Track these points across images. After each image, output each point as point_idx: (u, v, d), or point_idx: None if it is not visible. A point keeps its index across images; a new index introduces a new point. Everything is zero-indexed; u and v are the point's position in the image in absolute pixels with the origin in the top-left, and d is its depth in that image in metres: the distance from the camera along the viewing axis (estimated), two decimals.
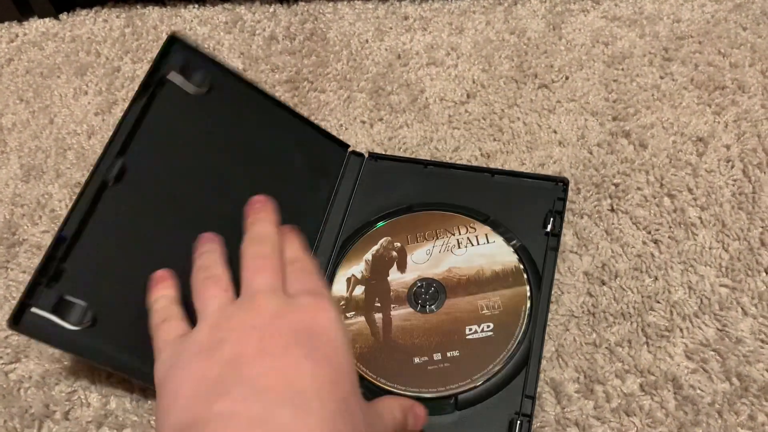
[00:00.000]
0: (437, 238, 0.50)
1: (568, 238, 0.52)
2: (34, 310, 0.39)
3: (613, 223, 0.53)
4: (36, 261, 0.53)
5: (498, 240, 0.50)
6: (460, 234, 0.50)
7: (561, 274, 0.51)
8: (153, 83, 0.44)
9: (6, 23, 0.73)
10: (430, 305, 0.47)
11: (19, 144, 0.62)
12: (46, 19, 0.73)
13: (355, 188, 0.55)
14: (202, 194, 0.46)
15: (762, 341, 0.46)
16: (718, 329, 0.47)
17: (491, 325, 0.45)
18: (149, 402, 0.45)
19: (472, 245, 0.50)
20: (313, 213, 0.53)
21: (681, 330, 0.47)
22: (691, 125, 0.59)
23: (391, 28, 0.70)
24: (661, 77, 0.64)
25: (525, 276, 0.48)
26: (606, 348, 0.47)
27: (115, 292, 0.41)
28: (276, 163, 0.51)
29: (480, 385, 0.44)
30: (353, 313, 0.48)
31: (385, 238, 0.51)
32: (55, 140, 0.62)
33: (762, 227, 0.52)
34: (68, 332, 0.39)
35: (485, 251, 0.49)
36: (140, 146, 0.43)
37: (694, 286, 0.49)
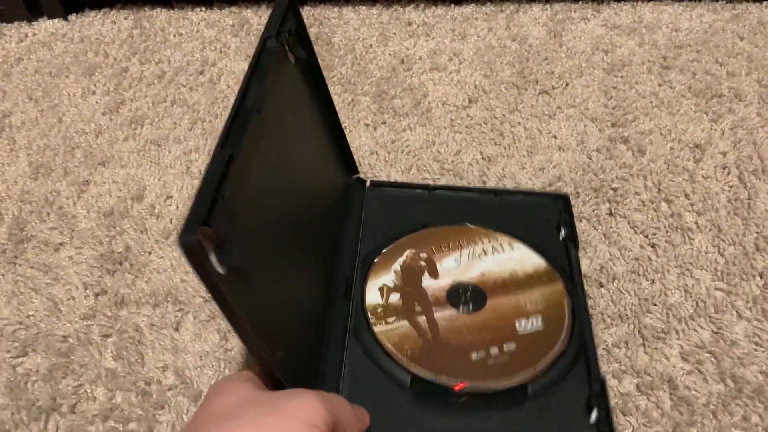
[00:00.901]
0: (462, 248, 0.51)
1: None
2: (198, 236, 0.32)
3: (611, 227, 0.54)
4: (44, 257, 0.54)
5: (521, 246, 0.51)
6: (483, 243, 0.51)
7: None
8: (269, 47, 0.41)
9: (16, 23, 0.74)
10: (473, 305, 0.47)
11: (28, 142, 0.63)
12: (56, 20, 0.74)
13: (362, 216, 0.54)
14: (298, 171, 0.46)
15: (756, 344, 0.47)
16: (713, 332, 0.48)
17: (539, 318, 0.46)
18: (154, 396, 0.46)
19: (499, 252, 0.51)
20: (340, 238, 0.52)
21: (677, 332, 0.48)
22: (688, 132, 0.60)
23: (395, 34, 0.71)
24: (660, 85, 0.65)
25: (558, 273, 0.49)
26: (603, 349, 0.47)
27: (257, 237, 0.38)
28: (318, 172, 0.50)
29: (546, 373, 0.43)
30: (394, 318, 0.47)
31: (409, 250, 0.51)
32: (64, 138, 0.63)
33: (757, 232, 0.53)
34: (218, 271, 0.34)
35: (513, 256, 0.50)
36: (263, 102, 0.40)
37: (690, 290, 0.50)
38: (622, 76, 0.65)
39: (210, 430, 0.30)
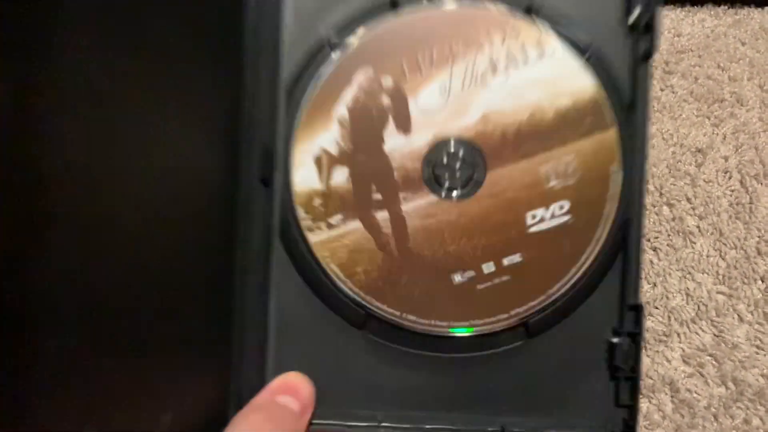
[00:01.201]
0: (455, 60, 0.30)
1: None
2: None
3: None
4: None
5: (558, 48, 0.30)
6: (492, 45, 0.30)
7: None
8: None
9: None
10: (463, 185, 0.31)
11: None
12: None
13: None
14: None
15: (757, 347, 0.47)
16: (714, 335, 0.48)
17: (566, 204, 0.30)
18: None
19: (517, 64, 0.30)
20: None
21: (678, 335, 0.48)
22: (690, 136, 0.61)
23: None
24: (662, 89, 0.65)
25: (610, 108, 0.31)
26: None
27: None
28: None
29: (559, 299, 0.31)
30: (340, 216, 0.30)
31: (363, 71, 0.31)
32: None
33: (758, 236, 0.53)
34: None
35: (541, 73, 0.30)
36: None
37: (691, 293, 0.50)
38: None
39: None
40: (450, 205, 0.31)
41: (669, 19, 0.73)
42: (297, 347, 0.31)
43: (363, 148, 0.31)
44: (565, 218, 0.30)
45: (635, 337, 0.30)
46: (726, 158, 0.59)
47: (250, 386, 0.30)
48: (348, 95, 0.31)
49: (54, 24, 0.25)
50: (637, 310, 0.30)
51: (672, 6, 0.74)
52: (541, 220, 0.30)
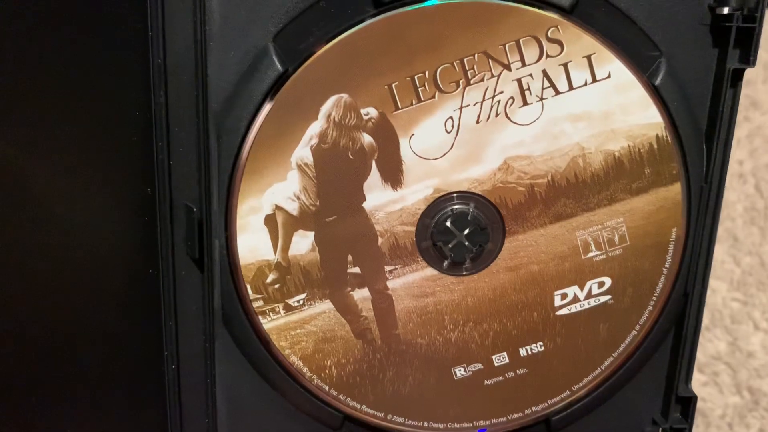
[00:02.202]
0: (468, 82, 0.21)
1: None
2: None
3: None
4: None
5: (615, 66, 0.22)
6: (522, 61, 0.21)
7: None
8: None
9: None
10: (473, 256, 0.23)
11: None
12: None
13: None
14: None
15: None
16: (729, 343, 0.47)
17: (608, 281, 0.24)
18: None
19: (556, 88, 0.22)
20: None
21: None
22: None
23: None
24: None
25: (679, 152, 0.23)
26: None
27: None
28: None
29: (588, 394, 0.25)
30: (302, 296, 0.23)
31: (335, 98, 0.21)
32: None
33: None
34: None
35: (587, 103, 0.22)
36: None
37: (706, 300, 0.49)
38: None
39: None
40: (454, 282, 0.23)
41: None
42: None
43: (334, 204, 0.22)
44: (604, 299, 0.23)
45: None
46: (741, 162, 0.58)
47: None
48: (312, 130, 0.21)
49: None
50: (688, 404, 0.25)
51: None
52: (574, 300, 0.23)
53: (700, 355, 0.47)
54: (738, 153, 0.59)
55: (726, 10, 0.22)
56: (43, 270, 0.24)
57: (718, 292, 0.50)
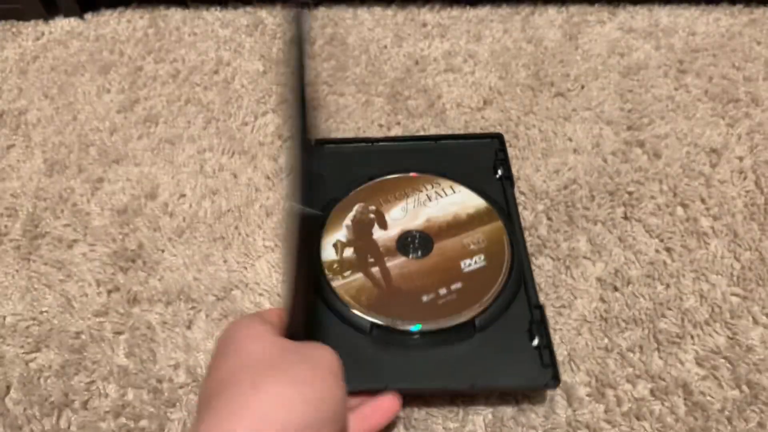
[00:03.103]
0: (408, 197, 0.54)
1: (581, 244, 0.53)
2: None
3: (626, 231, 0.53)
4: (58, 254, 0.54)
5: (462, 189, 0.54)
6: (427, 190, 0.54)
7: (574, 279, 0.51)
8: None
9: (33, 21, 0.74)
10: (421, 251, 0.50)
11: (43, 139, 0.63)
12: (72, 19, 0.74)
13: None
14: None
15: None
16: (728, 337, 0.48)
17: (482, 256, 0.50)
18: (166, 394, 0.46)
19: (441, 197, 0.54)
20: None
21: (692, 337, 0.48)
22: (704, 136, 0.60)
23: (409, 35, 0.71)
24: (676, 89, 0.64)
25: (496, 211, 0.52)
26: (617, 353, 0.47)
27: None
28: None
29: (490, 307, 0.47)
30: (349, 272, 0.49)
31: (359, 204, 0.53)
32: (78, 136, 0.63)
33: None
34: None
35: (455, 200, 0.53)
36: None
37: (705, 294, 0.50)
38: (638, 80, 0.65)
39: (253, 378, 0.34)
40: (415, 261, 0.50)
41: (683, 17, 0.72)
42: (327, 343, 0.41)
43: (360, 237, 0.52)
44: (483, 263, 0.49)
45: (544, 329, 0.46)
46: (741, 158, 0.58)
47: None
48: (350, 214, 0.53)
49: None
50: (540, 308, 0.47)
51: (687, 4, 0.74)
52: (470, 264, 0.49)
53: (700, 349, 0.47)
54: (738, 149, 0.59)
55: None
56: None
57: (718, 286, 0.50)
